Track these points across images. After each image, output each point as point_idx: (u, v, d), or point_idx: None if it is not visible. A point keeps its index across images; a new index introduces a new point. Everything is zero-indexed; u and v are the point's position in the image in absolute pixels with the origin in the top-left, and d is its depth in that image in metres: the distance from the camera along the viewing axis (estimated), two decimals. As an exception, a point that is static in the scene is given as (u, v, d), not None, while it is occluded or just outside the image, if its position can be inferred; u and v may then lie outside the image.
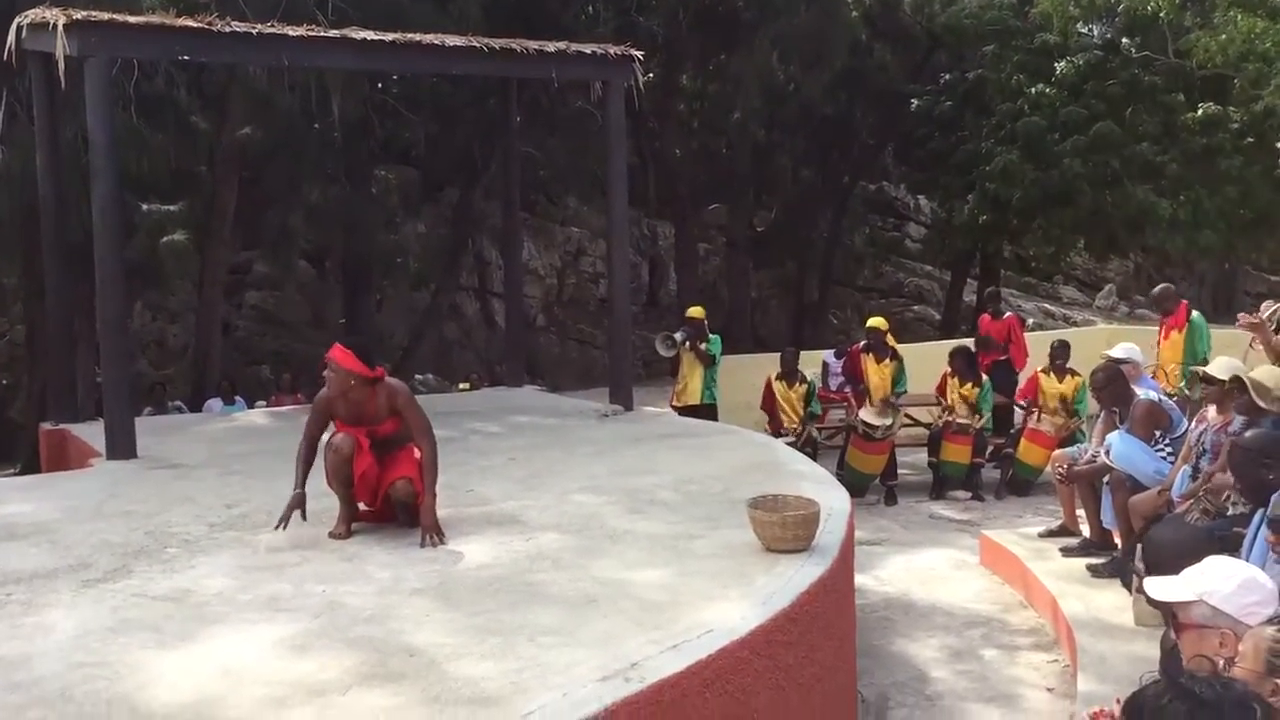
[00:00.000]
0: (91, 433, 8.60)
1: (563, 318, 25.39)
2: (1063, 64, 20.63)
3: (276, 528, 5.46)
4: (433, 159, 20.60)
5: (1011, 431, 11.29)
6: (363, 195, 18.74)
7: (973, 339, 12.79)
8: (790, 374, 11.49)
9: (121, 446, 7.92)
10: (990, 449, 11.17)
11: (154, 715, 3.47)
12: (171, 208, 17.06)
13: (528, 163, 16.82)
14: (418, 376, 19.72)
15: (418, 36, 9.18)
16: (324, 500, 5.64)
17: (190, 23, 8.40)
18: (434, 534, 5.39)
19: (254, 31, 8.47)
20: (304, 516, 5.50)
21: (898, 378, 11.22)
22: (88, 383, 12.37)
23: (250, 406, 13.73)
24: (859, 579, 7.30)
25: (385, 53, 9.04)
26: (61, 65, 7.99)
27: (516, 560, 5.11)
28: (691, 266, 23.35)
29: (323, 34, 8.94)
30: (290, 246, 19.30)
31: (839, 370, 12.88)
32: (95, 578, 4.93)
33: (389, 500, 5.66)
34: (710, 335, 11.74)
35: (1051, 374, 10.98)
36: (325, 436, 5.68)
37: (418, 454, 5.60)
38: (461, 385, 16.56)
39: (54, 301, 10.13)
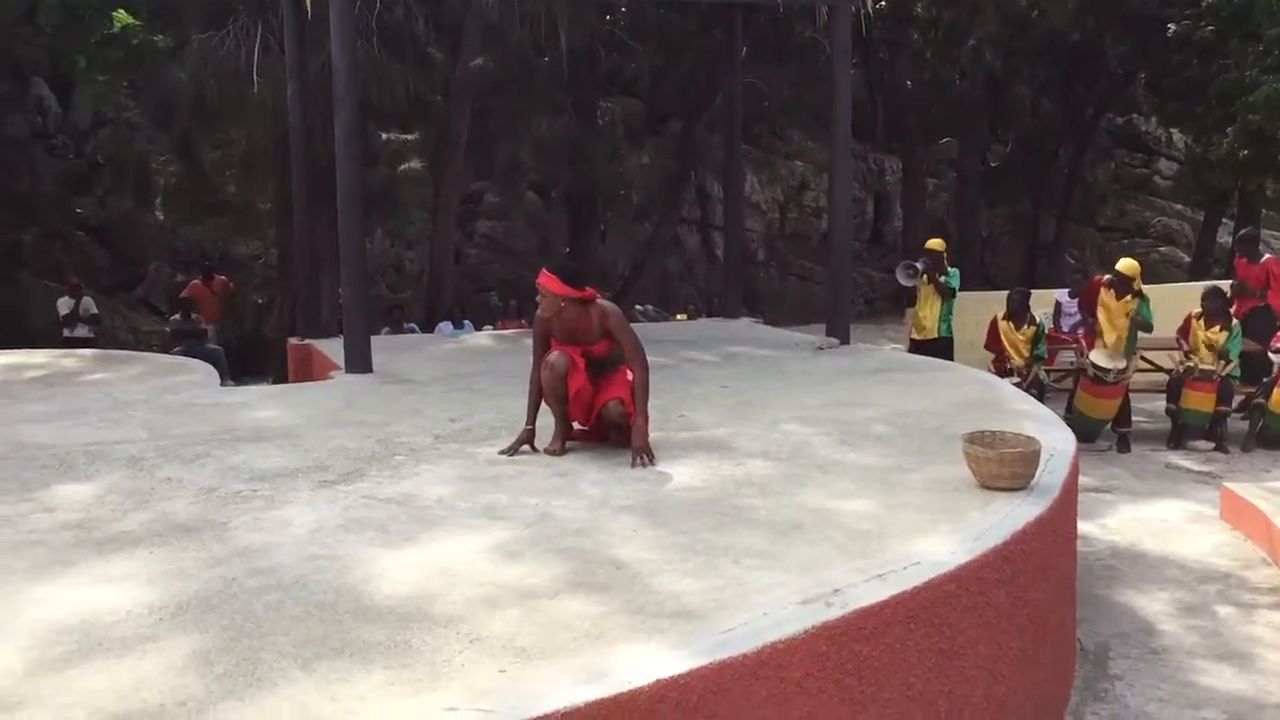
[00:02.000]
0: (333, 348, 9.13)
1: (783, 252, 25.13)
2: (1345, -18, 18.69)
3: (502, 452, 5.66)
4: (657, 91, 20.65)
5: (1265, 380, 10.48)
6: (588, 127, 19.01)
7: (1229, 283, 11.88)
8: (1018, 314, 11.03)
9: (359, 362, 8.38)
10: (1240, 399, 10.42)
11: (377, 605, 3.67)
12: (408, 137, 17.81)
13: (752, 94, 16.64)
14: (638, 307, 20.01)
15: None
16: (541, 418, 5.80)
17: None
18: (644, 455, 5.48)
19: (486, -39, 8.65)
20: (533, 449, 5.68)
21: (1141, 309, 10.55)
22: (331, 302, 13.14)
23: (478, 330, 14.28)
24: (1083, 526, 6.99)
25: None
26: (309, -2, 8.40)
27: (724, 484, 5.13)
28: (919, 202, 22.65)
29: (551, -38, 9.05)
30: (519, 177, 19.83)
31: (1072, 310, 12.27)
32: (330, 479, 5.25)
33: (602, 420, 5.78)
34: (949, 268, 11.47)
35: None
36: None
37: (630, 376, 5.68)
38: (679, 316, 16.70)
39: (301, 226, 10.78)
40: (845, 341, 9.63)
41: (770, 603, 3.67)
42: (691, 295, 22.17)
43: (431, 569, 4.04)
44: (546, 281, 5.60)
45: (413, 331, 14.34)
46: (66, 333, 14.65)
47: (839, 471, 5.36)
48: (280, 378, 12.82)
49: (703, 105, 19.65)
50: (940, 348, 10.89)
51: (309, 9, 8.62)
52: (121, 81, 17.78)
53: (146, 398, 7.33)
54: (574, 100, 18.70)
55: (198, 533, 4.43)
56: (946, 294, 11.26)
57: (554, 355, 5.70)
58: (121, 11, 15.91)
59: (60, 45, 17.01)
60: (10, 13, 16.17)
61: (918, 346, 11.29)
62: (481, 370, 8.45)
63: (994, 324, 11.07)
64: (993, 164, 24.88)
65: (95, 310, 15.40)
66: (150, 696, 3.01)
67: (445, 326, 14.73)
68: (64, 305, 15.04)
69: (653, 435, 5.64)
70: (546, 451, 5.71)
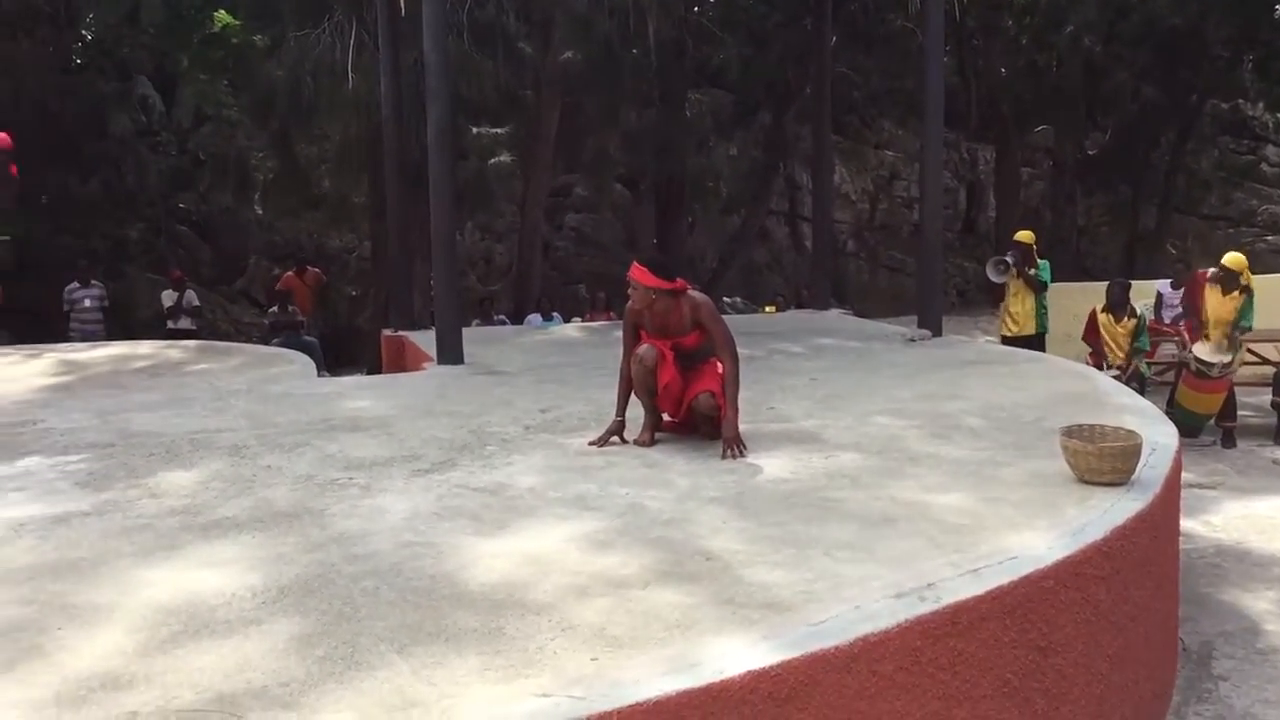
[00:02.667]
0: (425, 340, 9.28)
1: (873, 243, 24.85)
2: None
3: (592, 443, 5.69)
4: (745, 82, 20.52)
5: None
6: (676, 119, 18.99)
7: None
8: (1118, 306, 10.76)
9: (450, 353, 8.50)
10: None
11: (471, 592, 3.73)
12: (498, 131, 17.98)
13: (841, 84, 16.48)
14: (725, 299, 19.96)
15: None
16: (631, 410, 5.82)
17: (518, -52, 8.72)
18: (735, 446, 5.46)
19: (576, -46, 8.69)
20: (623, 440, 5.72)
21: (1244, 311, 10.25)
22: (424, 295, 13.34)
23: (566, 322, 14.38)
24: (1186, 523, 6.80)
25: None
26: (403, -7, 8.53)
27: (814, 476, 5.10)
28: (1013, 191, 22.20)
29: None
30: (607, 170, 19.90)
31: (1175, 302, 11.94)
32: (424, 468, 5.33)
33: (692, 412, 5.78)
34: (1039, 260, 11.23)
35: None
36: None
37: (720, 369, 5.67)
38: (767, 308, 16.62)
39: (394, 219, 10.95)
40: (937, 333, 9.49)
41: (862, 596, 3.63)
42: (780, 287, 22.04)
43: (523, 557, 4.08)
44: (638, 274, 5.61)
45: (502, 323, 14.50)
46: (170, 325, 15.10)
47: (931, 464, 5.29)
48: (374, 369, 13.06)
49: (791, 95, 19.51)
50: (1034, 344, 10.68)
51: (403, 6, 8.76)
52: (222, 79, 18.26)
53: (247, 388, 7.52)
54: (662, 92, 18.70)
55: (297, 519, 4.54)
56: (1038, 288, 11.02)
57: (643, 349, 5.71)
58: (222, 11, 16.32)
59: (163, 45, 17.53)
60: (114, 14, 16.70)
61: (1010, 343, 11.08)
62: (570, 362, 8.51)
63: (1092, 316, 10.81)
64: (1090, 152, 24.27)
65: (198, 303, 15.84)
66: (254, 677, 3.10)
67: (534, 318, 14.86)
68: (168, 298, 15.49)
69: (742, 427, 5.62)
70: (636, 442, 5.73)
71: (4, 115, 16.41)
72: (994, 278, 11.14)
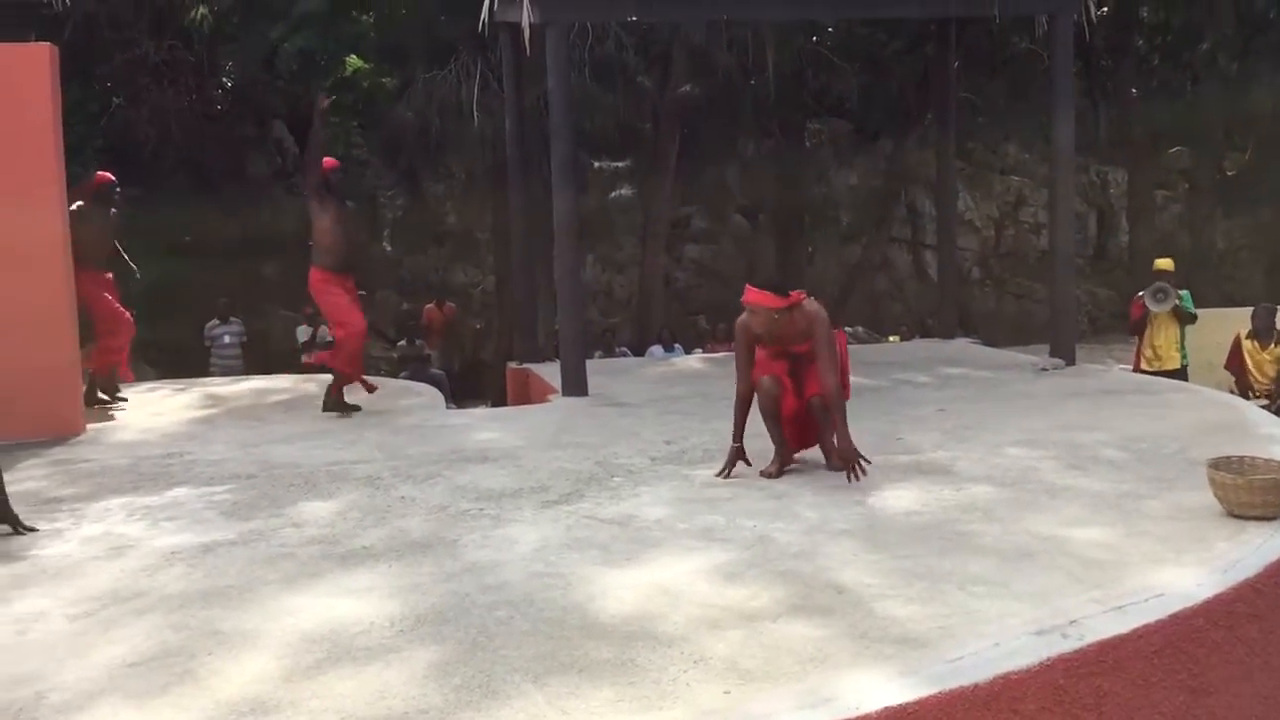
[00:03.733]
0: (549, 372, 9.39)
1: (999, 270, 24.30)
2: None
3: (719, 475, 5.69)
4: (865, 109, 20.36)
5: None
6: (795, 148, 18.94)
7: None
8: (1263, 332, 10.30)
9: (575, 385, 8.58)
10: None
11: (603, 623, 3.75)
12: (618, 164, 18.18)
13: (965, 109, 16.21)
14: (848, 329, 19.69)
15: (853, -18, 9.11)
16: (756, 442, 5.79)
17: (639, -15, 8.85)
18: (856, 461, 5.40)
19: (697, -10, 8.78)
20: (748, 462, 5.71)
21: None
22: (547, 328, 13.52)
23: (687, 353, 14.40)
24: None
25: (820, 1, 9.06)
26: (526, 33, 8.70)
27: (946, 509, 5.00)
28: (1147, 215, 21.49)
29: (760, -13, 9.10)
30: (726, 201, 19.92)
31: (1324, 327, 11.36)
32: (552, 499, 5.39)
33: (810, 412, 5.76)
34: (1180, 291, 10.64)
35: None
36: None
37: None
38: (891, 337, 16.40)
39: (518, 253, 11.14)
40: (1070, 362, 9.23)
41: (1001, 632, 3.55)
42: (903, 316, 21.70)
43: (653, 589, 4.09)
44: (758, 298, 5.61)
45: (624, 355, 14.59)
46: (305, 359, 15.58)
47: (1069, 497, 5.14)
48: (499, 401, 13.27)
49: (913, 122, 19.28)
50: (1178, 379, 10.09)
51: (527, 46, 8.93)
52: (352, 121, 18.86)
53: (380, 420, 7.72)
54: (781, 122, 18.67)
55: (431, 549, 4.63)
56: (1187, 319, 10.35)
57: (766, 380, 5.70)
58: (353, 56, 16.90)
59: (297, 90, 18.20)
60: (253, 62, 17.42)
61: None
62: (693, 393, 8.52)
63: (1236, 343, 10.38)
64: (1229, 172, 23.37)
65: (330, 337, 16.31)
66: (394, 704, 3.17)
67: (656, 350, 14.93)
68: (302, 333, 16.00)
69: (872, 457, 5.57)
70: (763, 474, 5.70)
71: (151, 160, 17.26)
72: (1154, 307, 10.50)
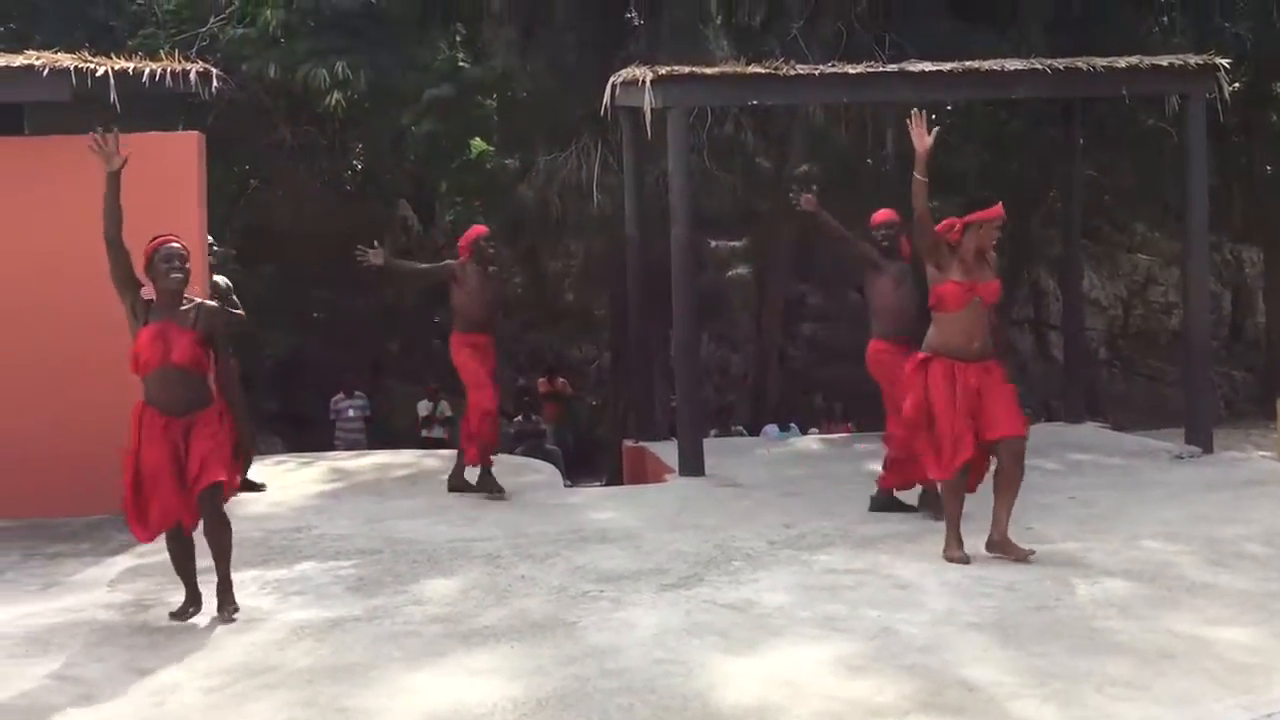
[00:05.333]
0: (666, 450, 9.38)
1: (1128, 351, 23.61)
2: None
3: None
4: (985, 187, 20.14)
5: None
6: (913, 228, 18.78)
7: None
8: None
9: (692, 464, 8.56)
10: None
11: (724, 714, 3.70)
12: (735, 243, 18.25)
13: (1090, 186, 15.93)
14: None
15: (976, 64, 9.06)
16: (879, 526, 5.69)
17: (759, 69, 8.94)
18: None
19: (816, 73, 8.84)
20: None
21: None
22: (663, 405, 13.55)
23: (803, 432, 14.25)
24: None
25: (942, 83, 9.05)
26: (647, 116, 8.86)
27: (1080, 604, 4.83)
28: (1284, 294, 20.69)
29: (881, 70, 9.13)
30: (842, 279, 19.82)
31: None
32: (671, 582, 5.36)
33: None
34: None
35: None
36: None
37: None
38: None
39: (635, 330, 11.23)
40: (1207, 450, 8.87)
41: (1143, 739, 3.39)
42: (1027, 399, 21.17)
43: (775, 679, 4.02)
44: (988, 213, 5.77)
45: (740, 434, 14.51)
46: (424, 433, 15.88)
47: (1211, 595, 4.92)
48: (614, 478, 13.30)
49: (1036, 200, 18.99)
50: None
51: (648, 130, 9.09)
52: (475, 202, 19.39)
53: (499, 497, 7.79)
54: (898, 202, 18.59)
55: (551, 630, 4.64)
56: None
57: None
58: (477, 139, 17.41)
59: (423, 172, 18.81)
60: (382, 145, 18.08)
61: None
62: (811, 474, 8.42)
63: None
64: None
65: (450, 413, 16.63)
66: (517, 791, 3.16)
67: (771, 429, 14.80)
68: (423, 408, 16.34)
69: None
70: (950, 559, 5.55)
71: (283, 239, 17.98)
72: None
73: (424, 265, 8.55)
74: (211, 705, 3.90)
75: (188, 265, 4.93)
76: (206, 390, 4.93)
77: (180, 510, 4.82)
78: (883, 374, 6.79)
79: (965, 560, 5.50)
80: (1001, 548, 5.56)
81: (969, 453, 5.48)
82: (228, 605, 4.93)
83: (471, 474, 7.82)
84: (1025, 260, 20.99)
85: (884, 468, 6.75)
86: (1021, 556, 5.49)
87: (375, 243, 8.34)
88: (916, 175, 5.64)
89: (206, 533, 4.88)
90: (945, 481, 5.67)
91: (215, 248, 8.28)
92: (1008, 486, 5.58)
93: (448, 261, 8.03)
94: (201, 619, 4.93)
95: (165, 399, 4.78)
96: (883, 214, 7.27)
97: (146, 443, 4.75)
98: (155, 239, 4.88)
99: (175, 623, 4.88)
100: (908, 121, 5.69)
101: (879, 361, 6.84)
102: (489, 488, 7.66)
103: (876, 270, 7.04)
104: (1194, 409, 9.38)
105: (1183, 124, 9.35)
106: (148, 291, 4.88)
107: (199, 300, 4.95)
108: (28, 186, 7.32)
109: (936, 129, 5.62)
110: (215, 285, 7.92)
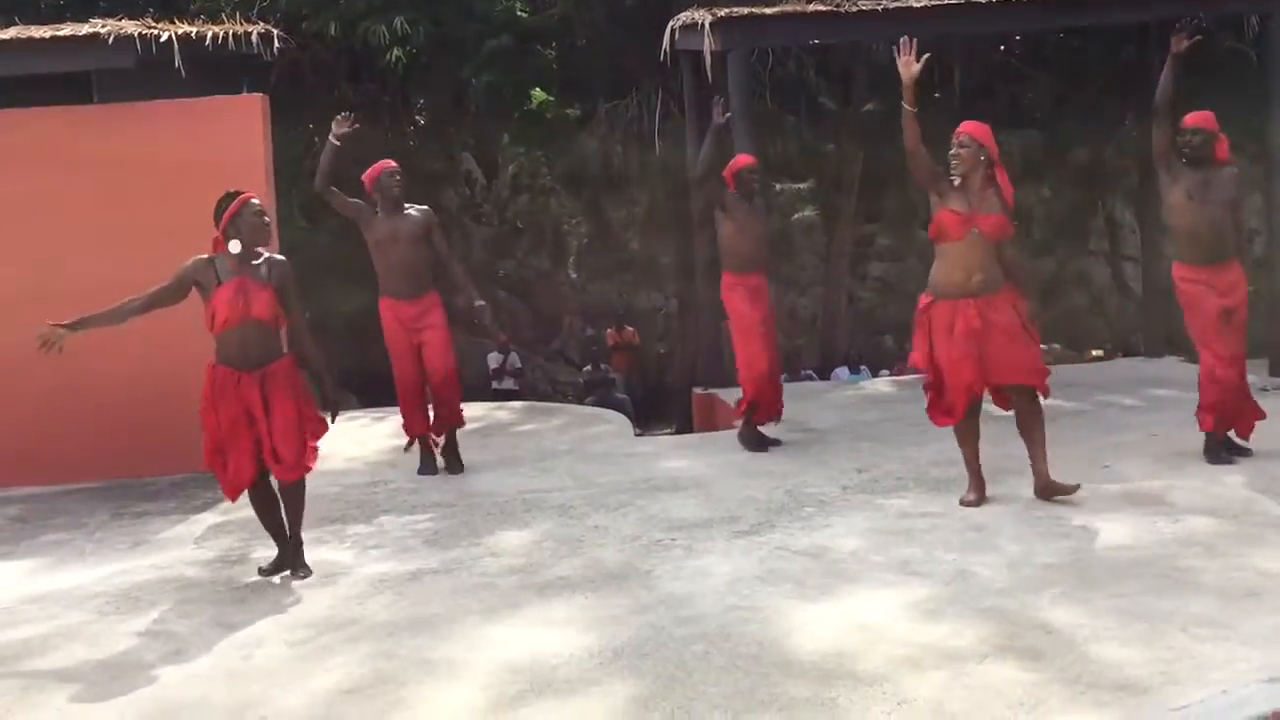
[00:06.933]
0: (735, 397, 9.35)
1: (1207, 282, 22.99)
2: None
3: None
4: (1058, 119, 19.63)
5: None
6: (984, 162, 18.40)
7: None
8: None
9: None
10: None
11: (800, 660, 3.70)
12: (801, 186, 18.03)
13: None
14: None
15: (1046, -9, 8.81)
16: (952, 469, 5.64)
17: (820, 7, 8.78)
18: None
19: (879, 8, 8.66)
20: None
21: None
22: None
23: (874, 375, 14.14)
24: None
25: (1010, 13, 8.83)
26: (708, 60, 8.75)
27: (1162, 543, 4.74)
28: (1372, 218, 20.00)
29: (947, 2, 8.90)
30: (911, 218, 19.52)
31: None
32: (744, 530, 5.37)
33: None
34: None
35: None
36: None
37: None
38: (1095, 352, 15.72)
39: (701, 277, 11.18)
40: (1293, 381, 8.64)
41: (1229, 679, 3.34)
42: (1104, 333, 20.77)
43: (850, 625, 4.02)
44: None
45: (809, 378, 14.43)
46: (495, 385, 16.02)
47: (1300, 531, 4.80)
48: (683, 426, 13.32)
49: (1111, 129, 18.47)
50: None
51: (709, 73, 8.98)
52: (537, 152, 19.36)
53: (570, 447, 7.85)
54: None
55: (626, 580, 4.67)
56: None
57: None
58: (538, 90, 17.35)
59: (484, 124, 18.80)
60: (444, 99, 18.09)
61: None
62: (883, 418, 8.34)
63: None
64: None
65: (519, 364, 16.76)
66: (596, 739, 3.20)
67: (842, 372, 14.71)
68: (493, 360, 16.47)
69: (1080, 491, 5.42)
70: (961, 502, 5.53)
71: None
72: None
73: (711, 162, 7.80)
74: (297, 658, 4.00)
75: (268, 218, 5.02)
76: (279, 344, 4.98)
77: (259, 465, 4.87)
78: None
79: (974, 503, 5.44)
80: (1046, 493, 5.43)
81: (974, 396, 5.40)
82: (300, 567, 5.01)
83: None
84: (1101, 190, 20.48)
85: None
86: (1070, 491, 5.40)
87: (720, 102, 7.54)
88: (905, 105, 5.34)
89: (282, 493, 4.96)
90: (955, 425, 5.56)
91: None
92: (1030, 429, 5.47)
93: (726, 192, 7.23)
94: (286, 576, 5.04)
95: (242, 355, 4.81)
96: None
97: (221, 402, 4.81)
98: (240, 195, 4.90)
99: (260, 578, 5.00)
100: (894, 50, 5.33)
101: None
102: (750, 444, 7.28)
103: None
104: (1279, 340, 9.12)
105: (1264, 45, 9.01)
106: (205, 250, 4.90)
107: (266, 254, 4.99)
108: (100, 153, 7.40)
109: (926, 55, 5.29)
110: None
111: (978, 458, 5.58)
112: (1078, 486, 5.45)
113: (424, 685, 3.68)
